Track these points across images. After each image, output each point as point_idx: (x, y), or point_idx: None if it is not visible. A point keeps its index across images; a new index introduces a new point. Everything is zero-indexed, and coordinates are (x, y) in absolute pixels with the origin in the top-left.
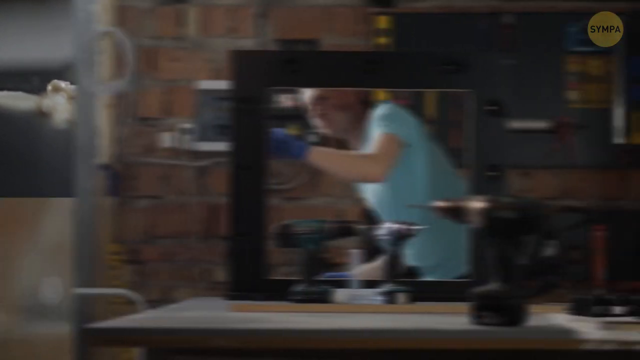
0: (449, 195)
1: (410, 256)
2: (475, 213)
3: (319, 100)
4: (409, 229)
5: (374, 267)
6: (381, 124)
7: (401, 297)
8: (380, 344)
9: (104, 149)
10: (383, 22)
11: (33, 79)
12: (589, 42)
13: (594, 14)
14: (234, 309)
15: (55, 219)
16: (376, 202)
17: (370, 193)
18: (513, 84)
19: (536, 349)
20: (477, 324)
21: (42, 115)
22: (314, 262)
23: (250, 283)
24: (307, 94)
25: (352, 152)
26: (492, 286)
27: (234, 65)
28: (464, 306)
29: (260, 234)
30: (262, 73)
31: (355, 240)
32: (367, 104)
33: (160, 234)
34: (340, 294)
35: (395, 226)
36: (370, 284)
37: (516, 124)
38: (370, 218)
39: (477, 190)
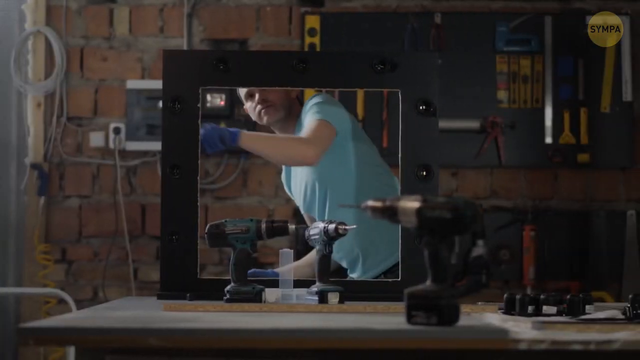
0: (381, 194)
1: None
2: (409, 213)
3: (260, 93)
4: (339, 229)
5: (301, 265)
6: (314, 110)
7: (332, 296)
8: (313, 344)
9: (33, 148)
10: (312, 21)
11: None
12: (519, 42)
13: (523, 14)
14: (165, 308)
15: None
16: (306, 201)
17: (300, 191)
18: (443, 84)
19: (470, 348)
20: (410, 324)
21: None
22: (246, 261)
23: (181, 283)
24: (244, 97)
25: (285, 135)
26: (425, 286)
27: (165, 64)
28: (395, 306)
29: (192, 233)
30: (192, 73)
31: (286, 239)
32: (300, 99)
33: (90, 234)
34: (272, 293)
35: (326, 225)
36: (301, 283)
37: (445, 124)
38: (300, 217)
39: (409, 189)
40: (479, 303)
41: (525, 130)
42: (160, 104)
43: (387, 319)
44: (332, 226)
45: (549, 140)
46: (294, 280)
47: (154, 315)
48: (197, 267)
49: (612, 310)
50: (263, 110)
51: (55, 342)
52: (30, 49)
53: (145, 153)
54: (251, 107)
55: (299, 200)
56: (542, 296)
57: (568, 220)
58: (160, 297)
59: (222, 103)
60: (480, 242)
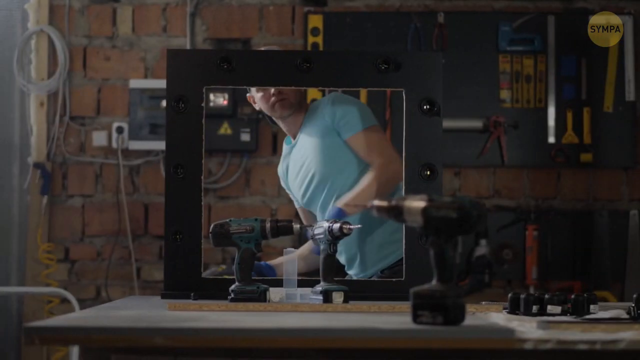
0: None
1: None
2: (414, 212)
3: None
4: (344, 228)
5: (299, 255)
6: (352, 123)
7: (337, 296)
8: (318, 343)
9: (36, 147)
10: (315, 21)
11: None
12: (522, 42)
13: (527, 14)
14: (170, 307)
15: None
16: (307, 196)
17: (301, 185)
18: (445, 83)
19: (476, 348)
20: (416, 323)
21: None
22: (250, 261)
23: (185, 282)
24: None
25: (368, 177)
26: (431, 285)
27: (169, 64)
28: (400, 305)
29: (195, 232)
30: (196, 72)
31: (289, 238)
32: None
33: (92, 233)
34: (276, 293)
35: (331, 225)
36: (306, 283)
37: (448, 123)
38: (304, 216)
39: (412, 189)
40: (483, 303)
41: (528, 130)
42: (163, 103)
43: (392, 318)
44: (336, 225)
45: (551, 139)
46: (299, 280)
47: (159, 314)
48: (200, 266)
49: (616, 310)
50: (278, 104)
51: (61, 342)
52: (33, 48)
53: (148, 152)
54: (263, 98)
55: (297, 194)
56: (546, 296)
57: (571, 220)
58: (164, 296)
59: (225, 102)
60: (483, 242)
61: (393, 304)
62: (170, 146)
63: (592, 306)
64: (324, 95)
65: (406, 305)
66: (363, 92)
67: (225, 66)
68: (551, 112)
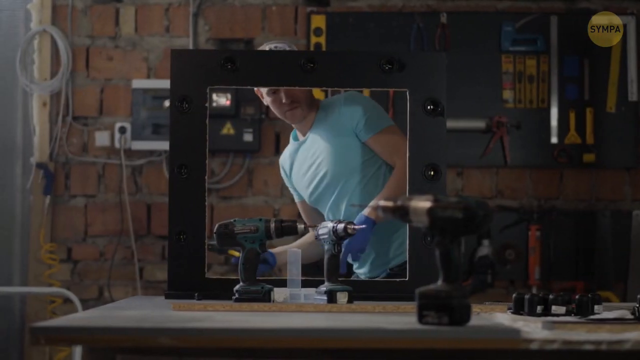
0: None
1: None
2: (420, 212)
3: (286, 90)
4: (349, 228)
5: (300, 245)
6: (373, 120)
7: (341, 296)
8: (323, 344)
9: (39, 147)
10: (318, 21)
11: None
12: (524, 42)
13: (529, 14)
14: (175, 308)
15: None
16: (317, 192)
17: (312, 181)
18: (448, 84)
19: (482, 348)
20: (421, 324)
21: None
22: (255, 261)
23: (189, 282)
24: (267, 91)
25: (393, 179)
26: (437, 286)
27: (173, 64)
28: (404, 305)
29: (199, 233)
30: (200, 72)
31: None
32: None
33: (95, 233)
34: (280, 293)
35: (335, 225)
36: (310, 283)
37: (451, 124)
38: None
39: (416, 189)
40: (486, 303)
41: (530, 130)
42: (166, 103)
43: (397, 318)
44: (341, 226)
45: (554, 140)
46: (303, 280)
47: (164, 314)
48: (204, 266)
49: (621, 310)
50: (289, 113)
51: (66, 342)
52: (36, 49)
53: (150, 152)
54: (274, 101)
55: (303, 191)
56: (550, 296)
57: (573, 220)
58: (168, 296)
59: (228, 102)
60: (485, 242)
61: (398, 304)
62: (174, 146)
63: (596, 306)
64: (326, 95)
65: (411, 306)
66: (366, 93)
67: (230, 66)
68: (554, 112)
